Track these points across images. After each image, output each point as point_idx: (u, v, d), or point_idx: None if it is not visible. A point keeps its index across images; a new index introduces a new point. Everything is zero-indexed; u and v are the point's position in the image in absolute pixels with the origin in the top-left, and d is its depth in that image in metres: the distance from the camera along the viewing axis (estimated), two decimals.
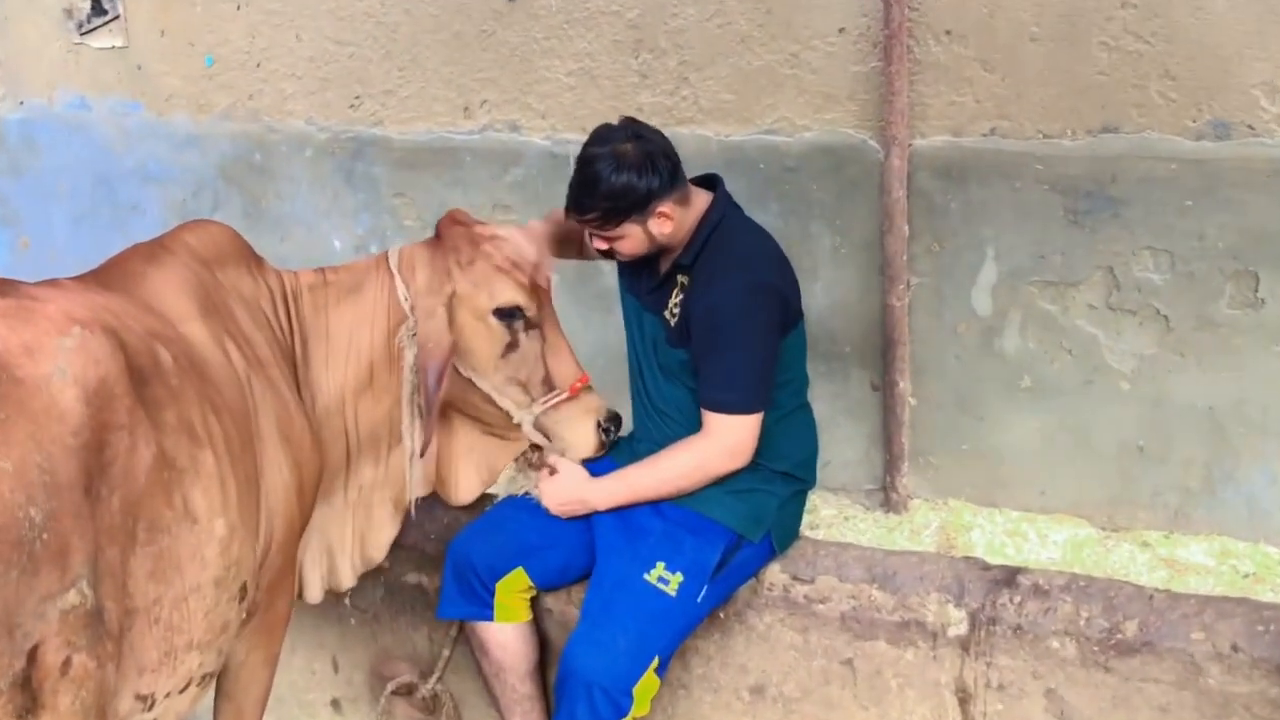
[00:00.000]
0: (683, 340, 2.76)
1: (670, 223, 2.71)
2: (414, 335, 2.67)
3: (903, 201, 3.38)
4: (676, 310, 2.77)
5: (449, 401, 2.78)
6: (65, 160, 4.82)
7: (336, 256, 4.28)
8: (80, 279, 2.38)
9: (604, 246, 2.75)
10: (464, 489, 2.91)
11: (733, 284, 2.69)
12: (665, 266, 2.82)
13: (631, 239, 2.71)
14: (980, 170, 3.34)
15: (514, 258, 2.74)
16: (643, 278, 2.89)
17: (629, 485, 2.78)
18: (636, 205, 2.66)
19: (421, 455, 2.74)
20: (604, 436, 2.85)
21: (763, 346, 2.72)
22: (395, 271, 2.72)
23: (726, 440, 2.71)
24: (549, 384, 2.80)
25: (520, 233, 2.80)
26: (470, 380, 2.76)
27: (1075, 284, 3.30)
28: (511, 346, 2.75)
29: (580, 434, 2.84)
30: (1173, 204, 3.16)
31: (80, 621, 1.89)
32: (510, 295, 2.73)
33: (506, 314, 2.73)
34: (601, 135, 2.72)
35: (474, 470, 2.90)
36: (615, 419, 2.87)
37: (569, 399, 2.81)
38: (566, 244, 2.96)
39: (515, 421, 2.80)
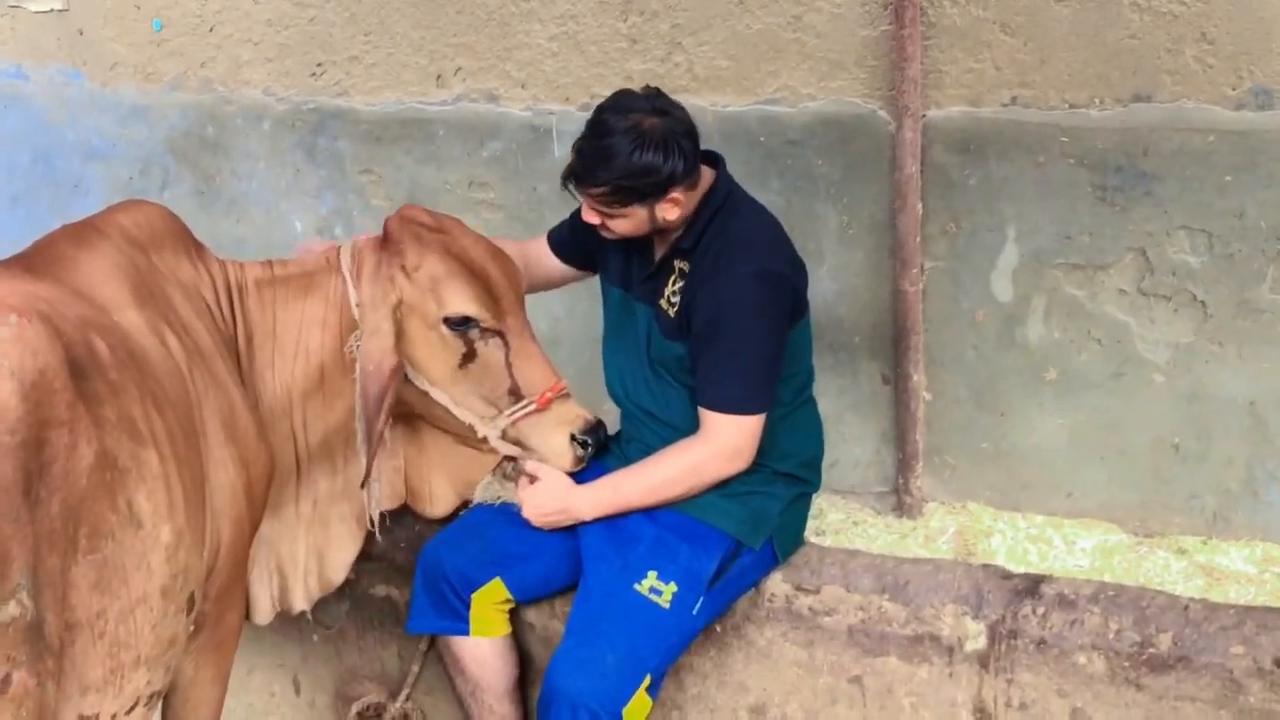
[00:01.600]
0: (680, 333, 2.77)
1: (677, 208, 2.72)
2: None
3: (916, 178, 3.39)
4: (675, 299, 2.78)
5: (413, 411, 2.80)
6: (0, 134, 4.82)
7: (298, 238, 4.27)
8: (2, 264, 2.38)
9: (598, 221, 2.76)
10: (438, 502, 2.93)
11: (739, 272, 2.70)
12: (661, 251, 2.83)
13: (632, 220, 2.72)
14: (1000, 143, 3.35)
15: (466, 257, 2.73)
16: (634, 265, 2.89)
17: (618, 493, 2.79)
18: (652, 189, 2.66)
19: (361, 486, 2.75)
20: (579, 450, 2.83)
21: (769, 341, 2.73)
22: (346, 274, 2.72)
23: (726, 442, 2.72)
24: (516, 394, 2.78)
25: (465, 228, 2.81)
26: (427, 393, 2.76)
27: (1104, 267, 3.32)
28: (469, 357, 2.74)
29: (551, 448, 2.82)
30: (1211, 179, 3.17)
31: (20, 635, 1.90)
32: (460, 304, 2.70)
33: (458, 323, 2.71)
34: (623, 103, 2.71)
35: (448, 482, 2.91)
36: (593, 430, 2.84)
37: (538, 411, 2.79)
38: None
39: (480, 436, 2.80)
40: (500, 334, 2.75)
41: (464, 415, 2.77)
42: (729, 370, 2.70)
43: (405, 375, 2.72)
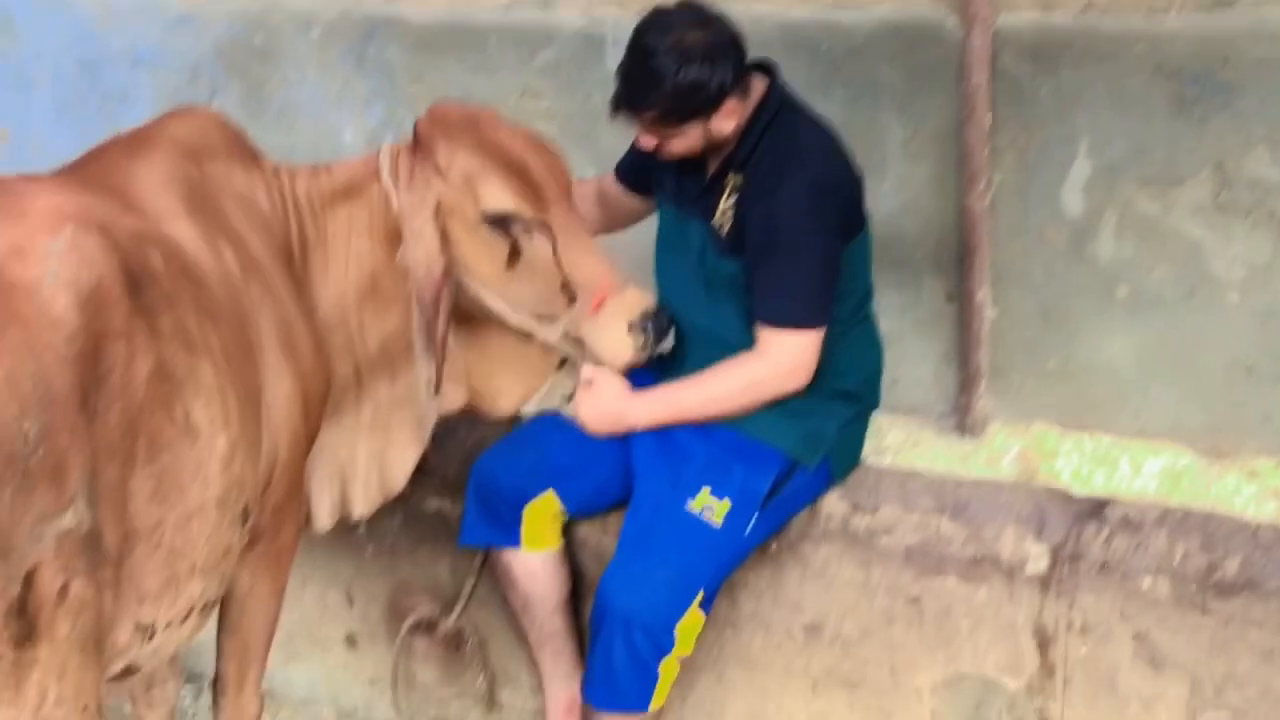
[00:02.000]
0: (735, 248, 2.77)
1: (732, 120, 2.72)
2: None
3: (985, 88, 3.34)
4: (729, 214, 2.78)
5: (472, 312, 2.80)
6: (45, 43, 4.84)
7: (347, 150, 4.29)
8: (54, 175, 2.41)
9: (653, 144, 2.76)
10: (504, 400, 2.92)
11: (794, 184, 2.70)
12: (715, 165, 2.83)
13: (689, 138, 2.72)
14: (1073, 52, 3.30)
15: (500, 150, 2.67)
16: (686, 180, 2.89)
17: (672, 404, 2.82)
18: (704, 105, 2.66)
19: (436, 391, 2.74)
20: (640, 337, 2.75)
21: (825, 254, 2.73)
22: (385, 179, 2.70)
23: (783, 358, 2.74)
24: (569, 291, 2.72)
25: (500, 120, 2.73)
26: (481, 297, 2.75)
27: (1180, 182, 3.27)
28: (515, 254, 2.68)
29: (610, 340, 2.76)
30: None
31: (78, 545, 1.95)
32: (498, 199, 2.65)
33: (499, 220, 2.66)
34: (660, 22, 2.69)
35: (514, 379, 2.89)
36: (656, 316, 2.77)
37: (595, 309, 2.75)
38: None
39: (541, 339, 2.79)
40: (545, 226, 2.67)
41: (521, 321, 2.75)
42: (785, 284, 2.71)
43: (458, 280, 2.71)
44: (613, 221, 3.17)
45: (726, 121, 2.71)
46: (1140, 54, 3.24)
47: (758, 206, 2.72)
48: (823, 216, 2.72)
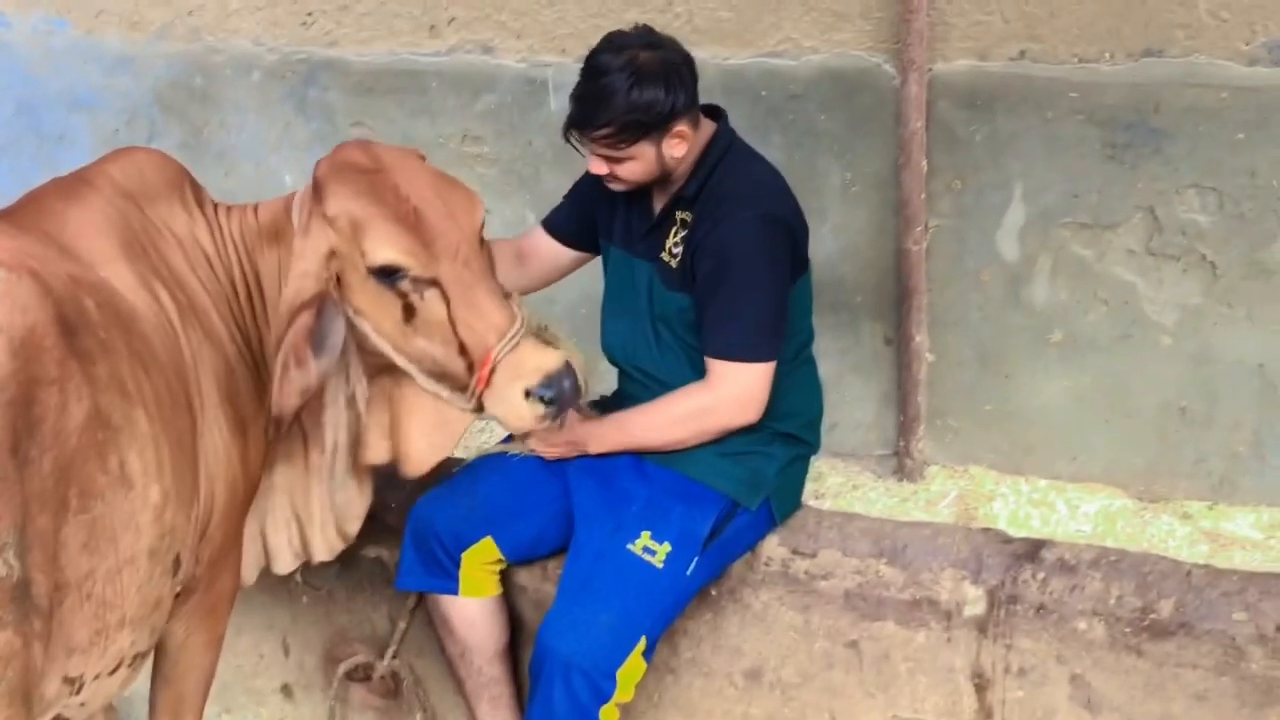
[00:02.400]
0: (684, 283, 2.79)
1: (684, 145, 2.74)
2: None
3: (921, 134, 3.39)
4: (677, 250, 2.80)
5: (386, 366, 2.66)
6: None
7: (287, 192, 4.27)
8: None
9: (605, 170, 2.76)
10: (415, 460, 2.75)
11: (743, 217, 2.72)
12: (661, 204, 2.85)
13: (641, 161, 2.73)
14: (1008, 99, 3.36)
15: (393, 198, 2.49)
16: (633, 221, 2.91)
17: (625, 430, 2.83)
18: (656, 122, 2.67)
19: (270, 437, 2.57)
20: (541, 407, 2.53)
21: (775, 286, 2.76)
22: (294, 222, 2.58)
23: (735, 390, 2.75)
24: (468, 358, 2.53)
25: (413, 164, 2.58)
26: (384, 353, 2.59)
27: (1112, 226, 3.32)
28: (409, 311, 2.52)
29: (507, 410, 2.55)
30: (1222, 137, 3.17)
31: (6, 595, 1.93)
32: (383, 253, 2.47)
33: (387, 274, 2.49)
34: (615, 42, 2.73)
35: (427, 439, 2.73)
36: (558, 378, 2.53)
37: (481, 383, 2.55)
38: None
39: (452, 404, 2.63)
40: (436, 285, 2.50)
41: (427, 384, 2.59)
42: (735, 316, 2.72)
43: (361, 331, 2.58)
44: (537, 279, 3.13)
45: (678, 146, 2.73)
46: (1073, 101, 3.29)
47: (708, 240, 2.74)
48: (773, 250, 2.74)
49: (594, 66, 2.70)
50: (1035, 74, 3.32)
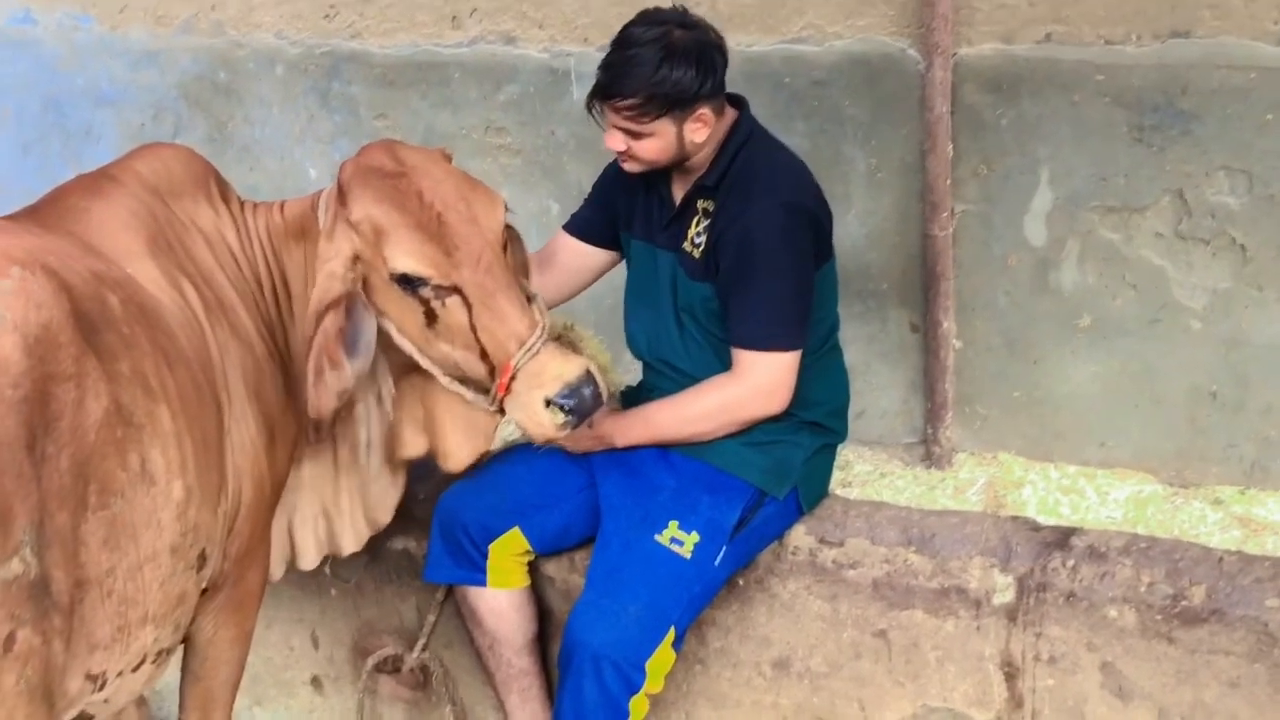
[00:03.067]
0: (707, 272, 2.77)
1: (705, 130, 2.72)
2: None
3: (946, 119, 3.36)
4: (700, 240, 2.78)
5: (415, 364, 2.66)
6: (9, 81, 4.83)
7: (312, 186, 4.25)
8: (12, 217, 2.39)
9: (622, 147, 2.74)
10: (454, 457, 2.78)
11: (766, 206, 2.70)
12: (682, 193, 2.83)
13: (660, 140, 2.71)
14: (1034, 82, 3.32)
15: (416, 205, 2.50)
16: (653, 212, 2.89)
17: (650, 424, 2.82)
18: (681, 100, 2.66)
19: (311, 440, 2.60)
20: (562, 415, 2.53)
21: (800, 276, 2.74)
22: (320, 223, 2.58)
23: (761, 380, 2.73)
24: (489, 363, 2.54)
25: (437, 167, 2.57)
26: (410, 355, 2.61)
27: (1141, 210, 3.29)
28: (430, 317, 2.54)
29: (528, 418, 2.56)
30: (1251, 118, 3.13)
31: (24, 593, 1.92)
32: (403, 260, 2.48)
33: (406, 281, 2.50)
34: (650, 16, 2.72)
35: (462, 435, 2.75)
36: (578, 387, 2.53)
37: (502, 390, 2.56)
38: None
39: (476, 405, 2.64)
40: (457, 292, 2.51)
41: (450, 385, 2.61)
42: (760, 305, 2.70)
43: (387, 333, 2.59)
44: (565, 286, 3.08)
45: (699, 131, 2.71)
46: (1099, 83, 3.25)
47: (730, 229, 2.72)
48: (796, 238, 2.73)
49: (625, 37, 2.69)
50: (1061, 57, 3.28)
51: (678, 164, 2.79)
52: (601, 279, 3.80)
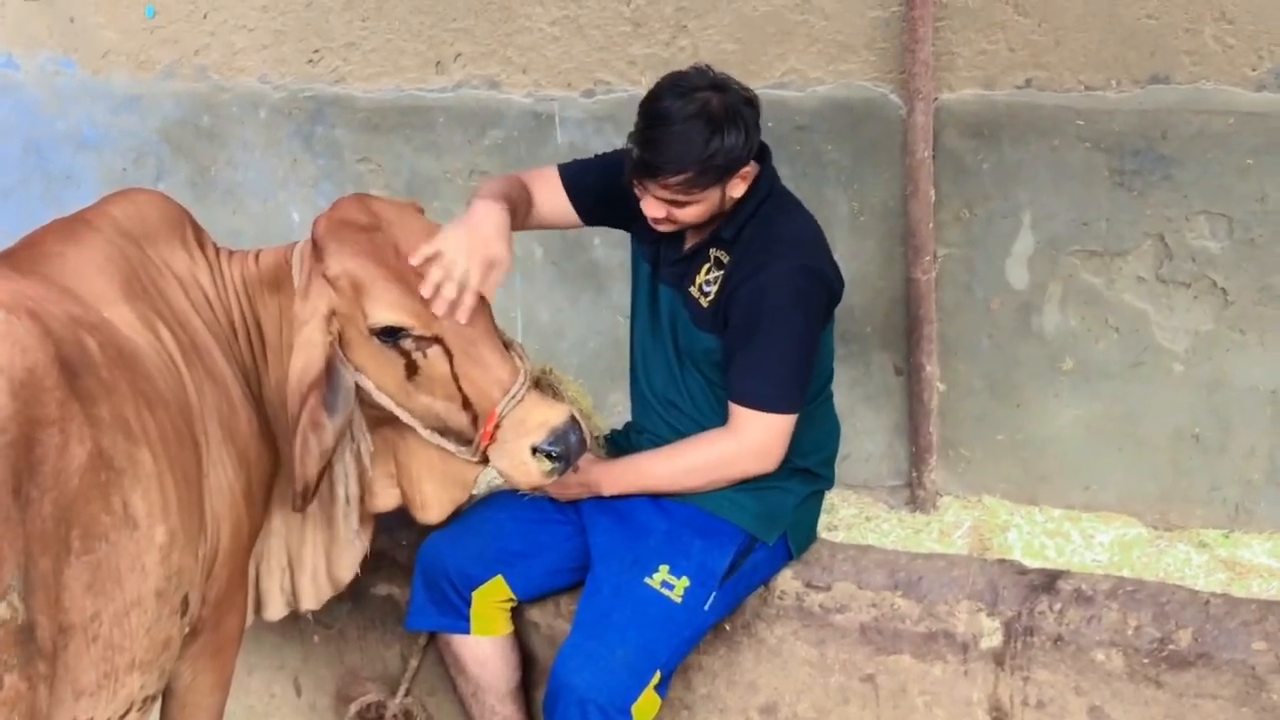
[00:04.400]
0: (715, 325, 2.75)
1: (745, 184, 2.70)
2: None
3: (928, 163, 3.38)
4: (709, 289, 2.76)
5: (388, 417, 2.65)
6: None
7: (295, 230, 4.28)
8: None
9: (662, 214, 2.68)
10: (432, 509, 2.76)
11: (786, 268, 2.68)
12: (696, 238, 2.79)
13: (706, 204, 2.67)
14: (1015, 127, 3.35)
15: (393, 257, 2.48)
16: (663, 245, 2.86)
17: (640, 474, 2.80)
18: (731, 168, 2.63)
19: (295, 509, 2.57)
20: (545, 464, 2.54)
21: (807, 340, 2.73)
22: (294, 276, 2.58)
23: (756, 440, 2.72)
24: (471, 412, 2.55)
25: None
26: (388, 409, 2.59)
27: (1122, 254, 3.31)
28: (411, 369, 2.53)
29: (513, 467, 2.56)
30: (1231, 163, 3.16)
31: (11, 638, 1.90)
32: (384, 314, 2.48)
33: (387, 333, 2.50)
34: (678, 85, 2.64)
35: (439, 486, 2.73)
36: (564, 433, 2.54)
37: (486, 439, 2.56)
38: (514, 218, 2.72)
39: (457, 457, 2.64)
40: (438, 342, 2.51)
41: (431, 438, 2.59)
42: (765, 366, 2.69)
43: (364, 389, 2.58)
44: (526, 223, 2.87)
45: (739, 187, 2.69)
46: (1080, 128, 3.28)
47: (745, 285, 2.69)
48: (810, 303, 2.72)
49: (662, 113, 2.61)
50: (1042, 102, 3.31)
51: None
52: (585, 323, 3.80)
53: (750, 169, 2.69)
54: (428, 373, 2.53)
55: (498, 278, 2.52)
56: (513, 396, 2.52)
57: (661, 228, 2.74)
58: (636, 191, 2.70)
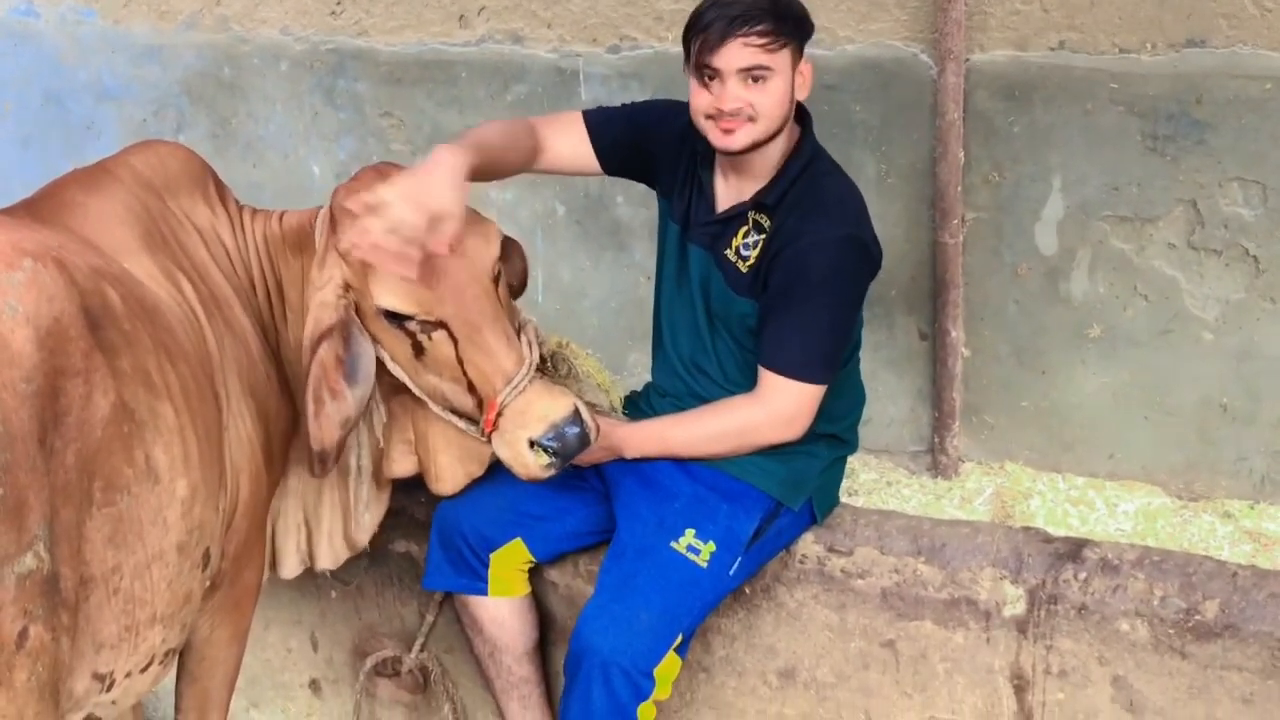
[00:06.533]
0: (753, 290, 2.71)
1: (806, 88, 2.68)
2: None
3: (958, 125, 3.35)
4: (747, 253, 2.71)
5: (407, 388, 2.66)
6: (10, 74, 4.81)
7: (316, 184, 4.27)
8: (8, 211, 2.36)
9: (741, 103, 2.58)
10: (446, 481, 2.78)
11: (832, 236, 2.64)
12: (732, 199, 2.75)
13: (781, 83, 2.60)
14: (1047, 89, 3.31)
15: (389, 241, 2.34)
16: (693, 202, 2.81)
17: (664, 438, 2.77)
18: (802, 28, 2.63)
19: (312, 473, 2.56)
20: (543, 458, 2.54)
21: (846, 312, 2.70)
22: (317, 241, 2.58)
23: (785, 408, 2.69)
24: (476, 397, 2.55)
25: (397, 194, 2.35)
26: (403, 382, 2.62)
27: (1153, 220, 3.28)
28: (418, 349, 2.55)
29: (512, 458, 2.56)
30: (1266, 129, 3.12)
31: (37, 588, 1.90)
32: (386, 296, 2.49)
33: (394, 316, 2.51)
34: None
35: (455, 459, 2.75)
36: (565, 428, 2.52)
37: (489, 426, 2.55)
38: (501, 162, 2.68)
39: (467, 434, 2.65)
40: (442, 326, 2.51)
41: (442, 414, 2.62)
42: (800, 332, 2.65)
43: (382, 361, 2.59)
44: (533, 163, 2.82)
45: (802, 87, 2.67)
46: (1113, 92, 3.25)
47: (788, 249, 2.64)
48: (853, 275, 2.69)
49: None
50: (1075, 64, 3.27)
51: (770, 139, 2.66)
52: (607, 284, 3.77)
53: (808, 69, 2.67)
54: (433, 354, 2.54)
55: (449, 230, 2.39)
56: (514, 386, 2.51)
57: (734, 137, 2.62)
58: (705, 89, 2.62)
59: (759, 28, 2.57)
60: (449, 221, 2.37)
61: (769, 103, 2.62)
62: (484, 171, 2.57)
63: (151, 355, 2.21)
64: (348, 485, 2.80)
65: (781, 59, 2.60)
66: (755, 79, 2.59)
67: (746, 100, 2.60)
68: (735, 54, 2.59)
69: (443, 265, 2.47)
